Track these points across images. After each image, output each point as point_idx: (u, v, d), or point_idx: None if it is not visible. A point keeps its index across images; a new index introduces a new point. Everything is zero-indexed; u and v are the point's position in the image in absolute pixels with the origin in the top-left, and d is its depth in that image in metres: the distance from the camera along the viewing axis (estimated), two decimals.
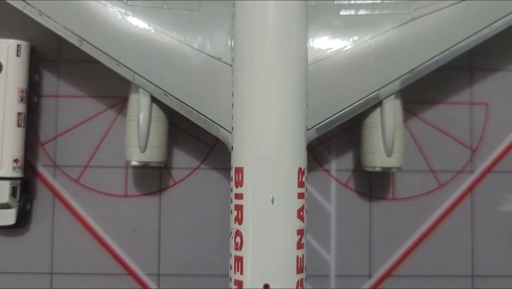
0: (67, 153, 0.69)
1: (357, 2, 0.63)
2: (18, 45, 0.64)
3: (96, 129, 0.69)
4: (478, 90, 0.70)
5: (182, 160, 0.69)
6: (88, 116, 0.69)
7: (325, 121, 0.61)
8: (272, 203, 0.55)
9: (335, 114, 0.61)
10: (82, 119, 0.69)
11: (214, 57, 0.61)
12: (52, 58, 0.69)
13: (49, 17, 0.60)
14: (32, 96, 0.67)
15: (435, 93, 0.70)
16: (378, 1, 0.63)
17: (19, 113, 0.64)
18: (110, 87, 0.68)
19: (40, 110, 0.69)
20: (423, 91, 0.68)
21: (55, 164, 0.68)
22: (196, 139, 0.69)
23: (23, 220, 0.66)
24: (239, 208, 0.56)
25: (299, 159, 0.57)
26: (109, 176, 0.68)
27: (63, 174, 0.68)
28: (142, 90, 0.61)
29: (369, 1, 0.63)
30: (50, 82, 0.69)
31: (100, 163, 0.69)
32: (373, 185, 0.69)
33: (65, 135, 0.69)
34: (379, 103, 0.62)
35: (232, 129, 0.59)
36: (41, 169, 0.68)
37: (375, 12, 0.63)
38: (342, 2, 0.63)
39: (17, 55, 0.64)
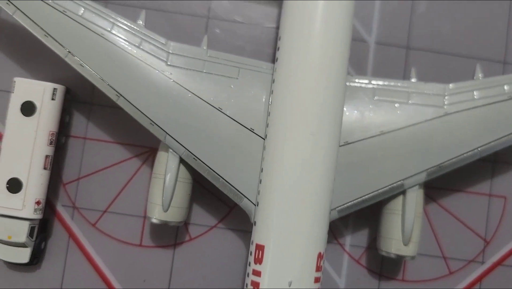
0: (87, 196, 0.69)
1: (392, 88, 0.64)
2: (54, 89, 0.64)
3: (119, 176, 0.69)
4: (498, 183, 0.71)
5: (200, 216, 0.69)
6: (112, 162, 0.69)
7: (347, 204, 0.62)
8: (289, 286, 0.56)
9: (359, 198, 0.62)
10: (107, 165, 0.69)
11: (247, 128, 0.62)
12: (85, 100, 0.70)
13: (90, 69, 0.61)
14: (60, 136, 0.67)
15: (456, 180, 0.70)
16: (413, 91, 0.63)
17: (46, 156, 0.64)
18: (138, 136, 0.69)
19: (66, 150, 0.69)
20: (444, 177, 0.68)
21: (74, 205, 0.69)
22: (217, 198, 0.69)
23: (36, 258, 0.67)
24: (255, 285, 0.57)
25: (320, 243, 0.58)
26: (126, 223, 0.69)
27: (81, 216, 0.69)
28: (171, 151, 0.62)
29: (405, 88, 0.64)
30: (79, 123, 0.70)
31: (118, 210, 0.69)
32: (384, 264, 0.70)
33: (87, 178, 0.69)
34: (402, 191, 0.63)
35: (257, 204, 0.60)
36: (60, 209, 0.69)
37: (409, 102, 0.63)
38: (378, 86, 0.64)
39: (52, 99, 0.64)
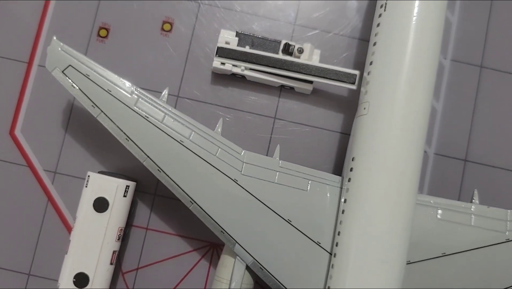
0: (144, 286, 0.70)
1: (455, 209, 0.65)
2: (127, 186, 0.66)
3: (177, 268, 0.70)
4: None
5: None
6: (172, 254, 0.70)
7: None
8: None
9: None
10: (166, 256, 0.70)
11: (314, 241, 0.63)
12: (149, 191, 0.71)
13: (167, 175, 0.62)
14: (125, 228, 0.68)
15: None
16: (476, 214, 0.65)
17: (114, 252, 0.65)
18: (198, 230, 0.70)
19: (128, 240, 0.70)
20: None
21: None
22: None
23: None
24: None
25: None
26: None
27: None
28: (239, 259, 0.63)
29: (468, 210, 0.65)
30: (142, 214, 0.71)
31: None
32: None
33: (146, 268, 0.70)
34: None
35: None
36: None
37: (472, 224, 0.65)
38: (440, 206, 0.65)
39: (124, 196, 0.65)
